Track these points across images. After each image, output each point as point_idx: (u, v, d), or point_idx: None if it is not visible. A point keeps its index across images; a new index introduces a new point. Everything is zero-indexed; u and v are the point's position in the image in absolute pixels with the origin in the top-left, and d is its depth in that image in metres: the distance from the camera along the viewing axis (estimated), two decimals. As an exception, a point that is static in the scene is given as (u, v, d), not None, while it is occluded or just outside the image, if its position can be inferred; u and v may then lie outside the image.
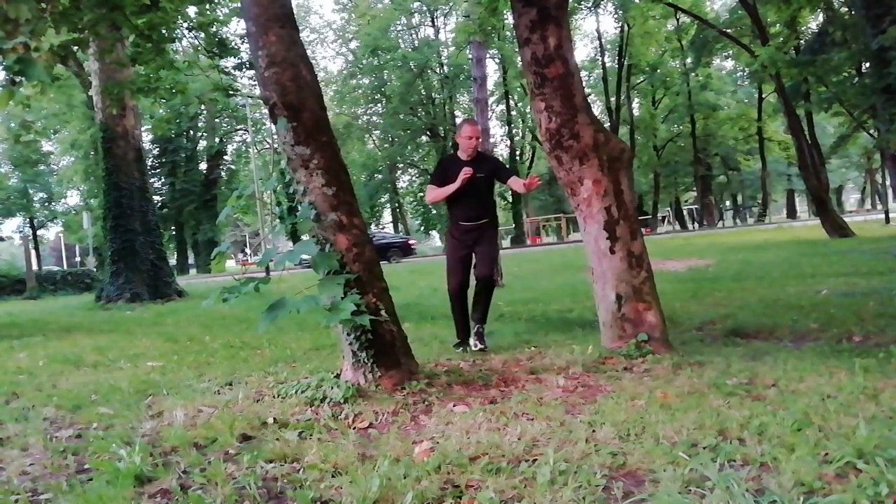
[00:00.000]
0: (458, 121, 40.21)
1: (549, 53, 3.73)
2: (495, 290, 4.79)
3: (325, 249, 3.05)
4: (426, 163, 42.89)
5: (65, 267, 33.74)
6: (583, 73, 17.41)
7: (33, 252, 32.24)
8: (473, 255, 4.39)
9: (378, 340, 3.08)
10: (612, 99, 35.61)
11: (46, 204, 41.42)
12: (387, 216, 48.70)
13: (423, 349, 4.22)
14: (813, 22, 22.20)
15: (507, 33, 14.57)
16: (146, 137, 30.99)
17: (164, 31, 9.59)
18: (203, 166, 39.46)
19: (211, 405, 3.01)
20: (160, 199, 35.53)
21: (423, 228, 49.48)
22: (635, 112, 39.72)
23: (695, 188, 43.65)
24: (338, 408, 2.79)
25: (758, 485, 1.75)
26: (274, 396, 3.07)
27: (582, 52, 53.70)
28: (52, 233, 48.19)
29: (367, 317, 2.82)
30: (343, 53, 41.84)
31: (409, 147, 40.88)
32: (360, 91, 39.65)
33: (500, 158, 7.48)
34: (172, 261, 31.12)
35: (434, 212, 44.05)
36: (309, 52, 3.43)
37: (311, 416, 2.72)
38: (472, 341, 4.33)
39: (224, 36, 14.31)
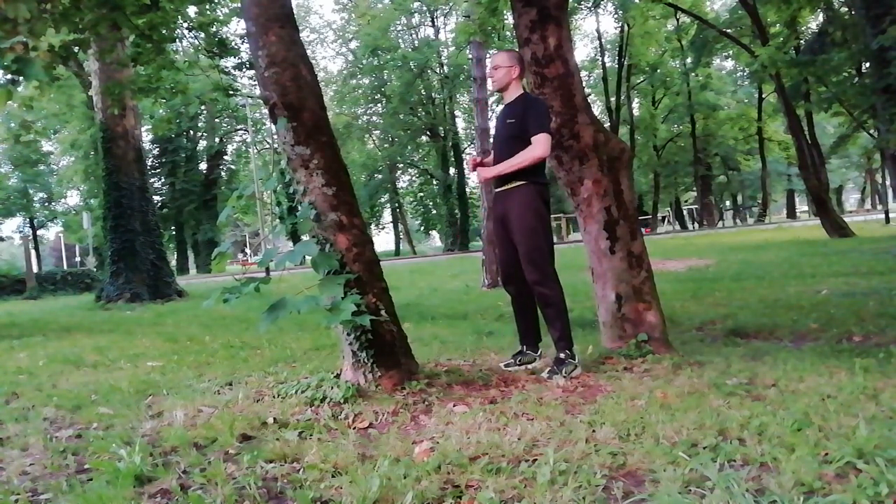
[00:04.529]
0: (458, 121, 40.38)
1: (549, 53, 3.73)
2: (495, 290, 4.38)
3: (325, 249, 3.05)
4: (426, 163, 42.91)
5: (65, 267, 33.71)
6: (583, 73, 17.40)
7: (33, 252, 32.24)
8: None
9: (378, 340, 3.08)
10: (612, 99, 35.61)
11: (46, 204, 41.43)
12: (387, 216, 48.74)
13: (423, 349, 4.22)
14: (813, 22, 22.20)
15: (507, 33, 14.55)
16: (146, 137, 31.00)
17: (164, 31, 9.58)
18: (203, 166, 39.48)
19: (211, 405, 3.01)
20: (160, 199, 35.53)
21: (422, 228, 49.51)
22: (635, 112, 39.73)
23: (695, 188, 43.65)
24: (338, 408, 2.79)
25: (758, 485, 1.75)
26: (274, 396, 3.07)
27: (582, 52, 53.86)
28: (52, 233, 48.24)
29: (368, 317, 2.82)
30: (343, 53, 41.88)
31: (409, 147, 40.90)
32: (360, 91, 39.66)
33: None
34: (172, 261, 31.12)
35: (434, 212, 44.10)
36: (309, 52, 3.43)
37: (311, 416, 2.72)
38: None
39: (224, 36, 14.31)
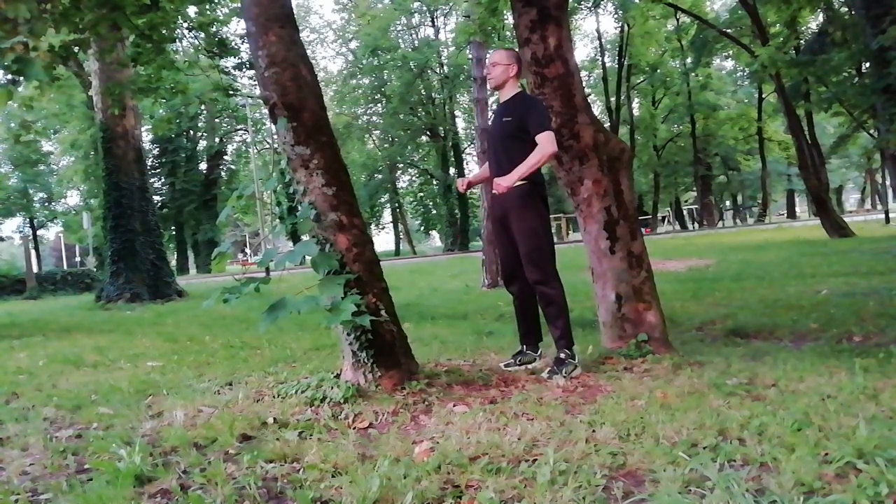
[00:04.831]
0: (458, 121, 40.39)
1: (549, 53, 3.73)
2: (495, 290, 4.46)
3: (325, 249, 3.05)
4: (426, 163, 42.92)
5: (65, 267, 33.71)
6: (583, 73, 17.41)
7: (33, 252, 32.24)
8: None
9: (378, 340, 3.08)
10: (612, 99, 35.62)
11: (46, 204, 41.42)
12: (387, 216, 48.73)
13: (423, 349, 4.22)
14: (813, 22, 22.20)
15: (507, 33, 14.58)
16: (146, 137, 31.00)
17: (164, 31, 9.58)
18: (203, 166, 39.48)
19: (211, 405, 3.01)
20: (160, 199, 35.53)
21: (422, 228, 49.51)
22: (635, 112, 39.73)
23: (695, 188, 43.66)
24: (338, 408, 2.79)
25: (758, 485, 1.75)
26: (274, 396, 3.07)
27: (582, 52, 53.87)
28: (52, 233, 48.23)
29: (368, 317, 2.82)
30: (343, 53, 41.89)
31: (409, 147, 40.90)
32: (360, 91, 39.66)
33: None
34: (172, 261, 31.12)
35: (434, 212, 44.11)
36: (309, 52, 3.42)
37: (311, 416, 2.72)
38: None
39: (224, 36, 14.32)
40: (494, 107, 3.61)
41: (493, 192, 3.45)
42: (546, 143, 3.23)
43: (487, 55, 10.86)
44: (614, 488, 1.81)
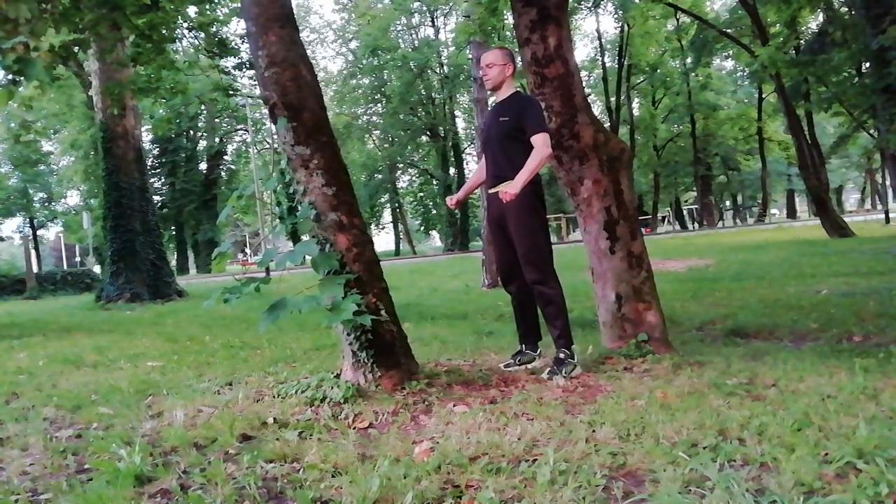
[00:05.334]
0: (458, 121, 40.41)
1: (549, 53, 3.73)
2: (495, 290, 4.45)
3: (325, 249, 3.05)
4: (426, 163, 42.94)
5: (65, 267, 33.69)
6: (583, 73, 17.42)
7: (33, 252, 32.24)
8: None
9: (378, 340, 3.08)
10: (612, 99, 35.62)
11: (46, 204, 41.42)
12: (387, 216, 48.74)
13: (423, 349, 4.22)
14: (813, 22, 22.20)
15: (507, 33, 14.60)
16: (146, 137, 31.00)
17: (164, 31, 9.60)
18: (203, 166, 39.47)
19: (211, 405, 3.01)
20: (160, 199, 35.52)
21: (422, 228, 49.52)
22: (635, 112, 39.72)
23: (695, 188, 43.66)
24: (338, 408, 2.79)
25: (758, 485, 1.75)
26: (274, 396, 3.07)
27: (582, 52, 53.87)
28: (52, 233, 48.23)
29: (368, 317, 2.82)
30: (343, 53, 41.91)
31: (409, 147, 40.91)
32: (360, 91, 39.68)
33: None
34: (172, 261, 31.12)
35: (434, 212, 44.13)
36: (309, 52, 3.42)
37: (311, 416, 2.72)
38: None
39: (224, 36, 14.33)
40: (494, 107, 3.61)
41: (490, 191, 3.46)
42: (542, 145, 3.25)
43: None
44: (614, 488, 1.81)
